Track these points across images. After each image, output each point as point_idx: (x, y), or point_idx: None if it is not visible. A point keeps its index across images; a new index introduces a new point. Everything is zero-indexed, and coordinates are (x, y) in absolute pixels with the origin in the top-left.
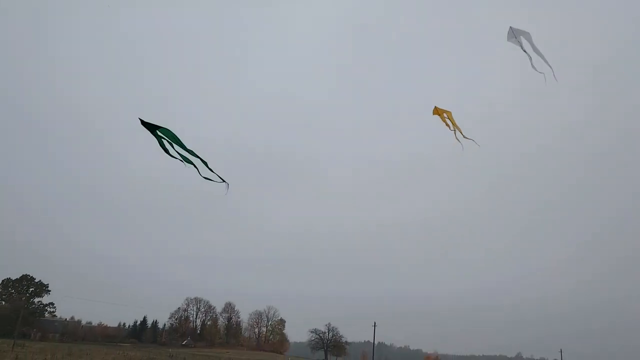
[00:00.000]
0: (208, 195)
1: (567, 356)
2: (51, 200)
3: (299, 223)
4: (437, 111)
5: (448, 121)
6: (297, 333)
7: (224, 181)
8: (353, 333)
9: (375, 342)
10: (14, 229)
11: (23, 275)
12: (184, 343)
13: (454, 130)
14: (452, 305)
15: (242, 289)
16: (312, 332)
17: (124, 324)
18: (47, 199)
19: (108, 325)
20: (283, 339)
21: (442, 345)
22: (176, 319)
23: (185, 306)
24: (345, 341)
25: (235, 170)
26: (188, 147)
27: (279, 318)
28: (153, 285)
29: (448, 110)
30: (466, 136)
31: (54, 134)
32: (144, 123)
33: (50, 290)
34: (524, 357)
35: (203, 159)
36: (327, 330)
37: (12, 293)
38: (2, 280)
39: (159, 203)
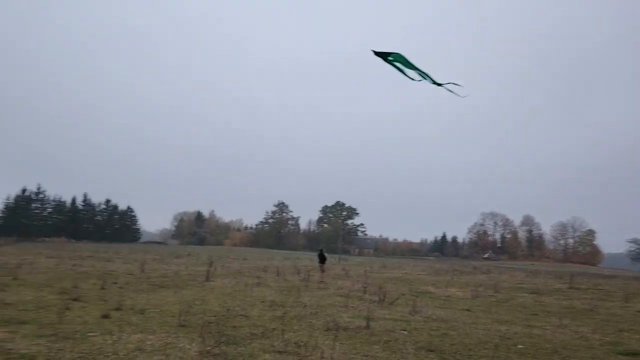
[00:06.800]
0: None
1: None
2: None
3: None
4: None
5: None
6: (613, 244)
7: (457, 85)
8: None
9: None
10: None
11: (337, 202)
12: (485, 256)
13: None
14: None
15: (539, 203)
16: (630, 242)
17: (426, 239)
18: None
19: (412, 241)
20: (594, 250)
21: None
22: (475, 234)
23: (481, 221)
24: None
25: None
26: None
27: (587, 228)
28: (448, 200)
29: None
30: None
31: None
32: (376, 53)
33: (358, 213)
34: None
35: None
36: None
37: (331, 217)
38: (322, 207)
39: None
